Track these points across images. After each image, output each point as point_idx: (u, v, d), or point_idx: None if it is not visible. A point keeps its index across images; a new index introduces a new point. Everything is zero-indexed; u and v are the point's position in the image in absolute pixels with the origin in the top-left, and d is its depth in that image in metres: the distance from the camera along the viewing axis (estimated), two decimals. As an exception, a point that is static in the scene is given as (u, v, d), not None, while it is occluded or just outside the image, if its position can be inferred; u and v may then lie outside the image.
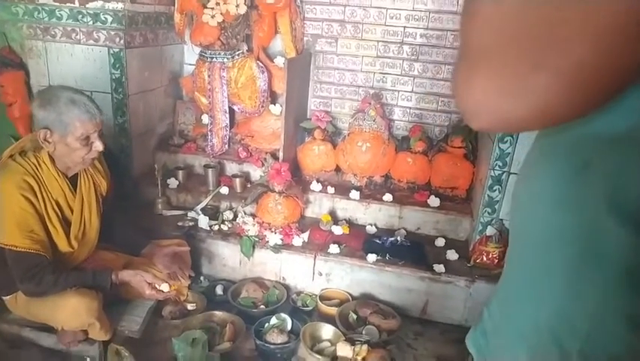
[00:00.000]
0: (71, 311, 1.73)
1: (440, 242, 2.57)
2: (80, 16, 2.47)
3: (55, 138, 1.69)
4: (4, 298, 1.87)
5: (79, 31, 2.52)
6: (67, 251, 1.82)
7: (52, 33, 2.54)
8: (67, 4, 2.45)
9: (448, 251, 2.46)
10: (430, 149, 2.85)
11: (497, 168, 2.32)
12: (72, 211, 1.84)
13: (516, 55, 0.40)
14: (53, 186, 1.75)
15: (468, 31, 0.45)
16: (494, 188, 2.36)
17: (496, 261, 2.36)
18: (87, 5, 2.44)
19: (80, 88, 2.57)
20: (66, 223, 1.81)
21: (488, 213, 2.40)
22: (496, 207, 2.39)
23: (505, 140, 2.27)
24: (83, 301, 1.73)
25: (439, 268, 2.33)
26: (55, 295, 1.73)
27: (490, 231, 2.40)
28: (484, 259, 2.38)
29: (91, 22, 2.48)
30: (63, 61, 2.58)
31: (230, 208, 2.74)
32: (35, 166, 1.72)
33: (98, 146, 1.77)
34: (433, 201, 2.67)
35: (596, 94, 0.40)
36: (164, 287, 1.91)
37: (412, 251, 2.46)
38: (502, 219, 2.41)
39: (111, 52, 2.53)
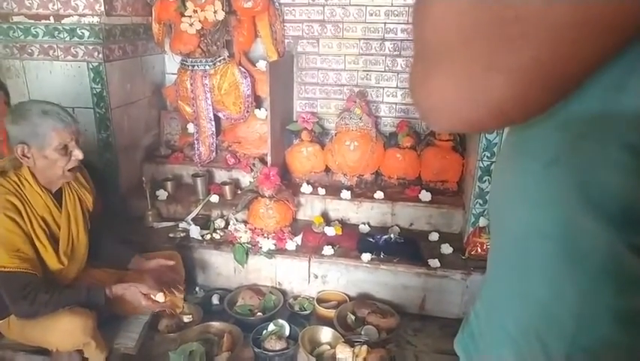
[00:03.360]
0: (65, 331, 1.70)
1: (434, 236, 2.57)
2: (57, 32, 2.44)
3: (33, 152, 1.66)
4: (-4, 322, 1.84)
5: (56, 47, 2.49)
6: (58, 268, 1.79)
7: (29, 51, 2.51)
8: (43, 21, 2.42)
9: (443, 245, 2.45)
10: (418, 144, 2.84)
11: (485, 158, 2.32)
12: (59, 227, 1.82)
13: (469, 55, 0.39)
14: (38, 202, 1.73)
15: (420, 30, 0.44)
16: (484, 179, 2.36)
17: (491, 252, 2.35)
18: (62, 21, 2.41)
19: (61, 104, 2.57)
20: (54, 240, 1.78)
21: (480, 204, 2.40)
22: (487, 197, 2.38)
23: (491, 130, 2.27)
24: (77, 321, 1.71)
25: (434, 262, 2.32)
26: (48, 316, 1.70)
27: (482, 222, 2.40)
28: (479, 250, 2.37)
29: (68, 38, 2.45)
30: (42, 78, 2.55)
31: (222, 216, 2.71)
32: (17, 185, 1.69)
33: (77, 154, 1.74)
34: (425, 195, 2.66)
35: (550, 91, 0.39)
36: (160, 297, 1.88)
37: (406, 248, 2.46)
38: (494, 210, 2.40)
39: (90, 66, 2.50)
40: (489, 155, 2.31)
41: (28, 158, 1.67)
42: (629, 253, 0.41)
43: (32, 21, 2.43)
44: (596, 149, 0.40)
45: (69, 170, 1.77)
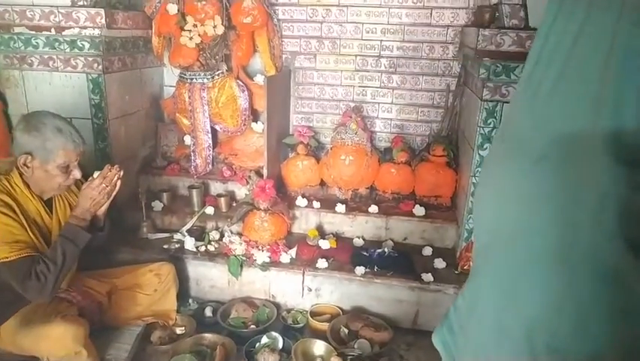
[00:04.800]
0: (57, 339, 1.70)
1: (427, 251, 2.58)
2: (57, 43, 2.47)
3: (35, 164, 1.68)
4: (-13, 332, 1.83)
5: (56, 58, 2.51)
6: None
7: (29, 62, 2.53)
8: (44, 32, 2.45)
9: (436, 260, 2.47)
10: (412, 159, 2.88)
11: (478, 174, 2.35)
12: (50, 233, 1.83)
13: None
14: (29, 206, 1.75)
15: None
16: (477, 195, 2.38)
17: (484, 267, 2.37)
18: (63, 33, 2.44)
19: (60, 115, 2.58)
20: (45, 243, 1.79)
21: (472, 219, 2.42)
22: (472, 200, 2.41)
23: (485, 147, 2.31)
24: (70, 329, 1.71)
25: (427, 277, 2.33)
26: (42, 323, 1.69)
27: (475, 237, 2.41)
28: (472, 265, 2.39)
29: (68, 50, 2.47)
30: (41, 89, 2.57)
31: (217, 228, 2.72)
32: (8, 187, 1.70)
33: (76, 174, 1.78)
34: (419, 210, 2.69)
35: None
36: (95, 174, 1.83)
37: (400, 262, 2.47)
38: (486, 225, 2.42)
39: (90, 78, 2.52)
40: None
41: (28, 168, 1.68)
42: (623, 246, 0.43)
43: (33, 32, 2.46)
44: (580, 150, 0.43)
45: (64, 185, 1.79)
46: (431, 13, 2.84)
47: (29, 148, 1.68)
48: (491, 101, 2.23)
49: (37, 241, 1.74)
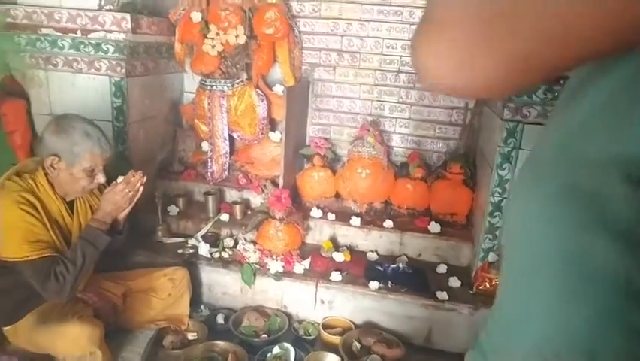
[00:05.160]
0: (73, 339, 1.70)
1: (442, 269, 2.57)
2: (82, 46, 2.50)
3: (61, 166, 1.70)
4: (3, 328, 1.83)
5: (80, 60, 2.54)
6: None
7: (54, 62, 2.56)
8: (70, 35, 2.48)
9: (451, 278, 2.45)
10: (428, 175, 2.88)
11: (497, 194, 2.35)
12: (70, 234, 1.84)
13: (475, 32, 0.44)
14: (52, 206, 1.76)
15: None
16: (494, 214, 2.38)
17: (499, 287, 2.36)
18: (89, 36, 2.47)
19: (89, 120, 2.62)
20: (65, 244, 1.80)
21: (489, 239, 2.41)
22: (497, 233, 2.40)
23: (504, 167, 2.30)
24: (86, 329, 1.71)
25: (442, 295, 2.32)
26: (59, 322, 1.70)
27: (491, 257, 2.41)
28: (487, 285, 2.37)
29: (92, 52, 2.50)
30: (64, 90, 2.60)
31: (231, 235, 2.72)
32: (32, 186, 1.72)
33: (100, 178, 1.79)
34: (434, 227, 2.68)
35: (532, 80, 0.46)
36: (119, 179, 1.85)
37: (414, 278, 2.46)
38: (503, 246, 2.41)
39: (112, 81, 2.55)
40: (500, 191, 2.33)
41: (54, 169, 1.70)
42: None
43: (60, 34, 2.49)
44: (610, 176, 0.44)
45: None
46: (453, 31, 2.86)
47: (57, 150, 1.70)
48: (512, 121, 2.23)
49: (58, 241, 1.75)
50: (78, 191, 1.81)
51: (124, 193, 1.82)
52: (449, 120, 3.01)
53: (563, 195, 0.48)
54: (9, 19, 2.48)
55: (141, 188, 1.89)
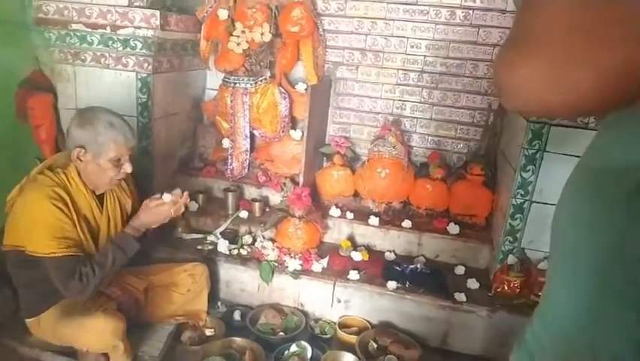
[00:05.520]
0: (97, 332, 1.73)
1: (460, 270, 2.55)
2: (111, 42, 2.54)
3: (87, 157, 1.73)
4: (27, 320, 1.87)
5: (108, 56, 2.59)
6: None
7: (82, 58, 2.61)
8: (99, 30, 2.52)
9: (469, 280, 2.43)
10: (448, 176, 2.85)
11: (519, 196, 2.32)
12: (99, 228, 1.87)
13: (569, 45, 0.44)
14: (82, 201, 1.79)
15: (526, 15, 0.49)
16: (516, 216, 2.35)
17: (518, 290, 2.33)
18: (118, 32, 2.51)
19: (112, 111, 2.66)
20: (92, 240, 1.83)
21: (509, 241, 2.38)
22: (518, 235, 2.37)
23: (528, 168, 2.27)
24: (110, 322, 1.74)
25: (460, 296, 2.30)
26: (83, 315, 1.73)
27: (511, 260, 2.38)
28: (506, 288, 2.35)
29: (121, 48, 2.54)
30: (91, 85, 2.65)
31: (250, 232, 2.74)
32: (64, 181, 1.75)
33: (127, 168, 1.82)
34: (453, 228, 2.66)
35: (625, 95, 0.44)
36: (166, 197, 1.87)
37: (432, 279, 2.44)
38: (523, 248, 2.38)
39: (139, 77, 2.59)
40: (522, 193, 2.30)
41: (81, 161, 1.73)
42: None
43: (89, 30, 2.53)
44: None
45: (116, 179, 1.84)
46: (478, 32, 2.83)
47: (82, 142, 1.74)
48: (538, 122, 2.20)
49: (85, 238, 1.78)
50: (106, 182, 1.84)
51: (167, 212, 1.85)
52: (471, 121, 2.98)
53: (621, 202, 0.48)
54: (40, 15, 2.53)
55: (183, 208, 1.92)
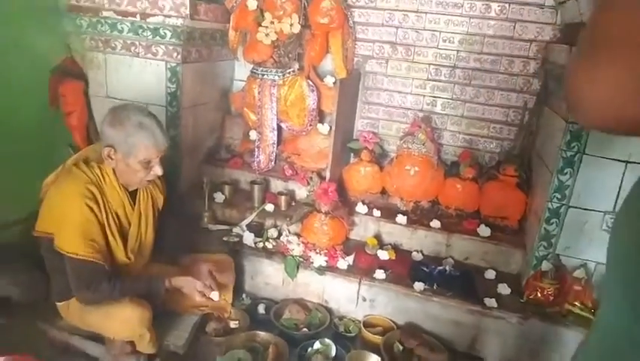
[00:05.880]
0: (124, 321, 1.73)
1: (490, 274, 2.47)
2: (141, 30, 2.53)
3: (117, 157, 1.71)
4: (57, 303, 1.88)
5: (138, 44, 2.58)
6: (124, 262, 1.83)
7: (113, 45, 2.61)
8: (129, 18, 2.51)
9: (500, 285, 2.36)
10: (480, 176, 2.77)
11: (555, 200, 2.23)
12: (130, 224, 1.86)
13: None
14: (114, 197, 1.78)
15: (601, 21, 0.44)
16: (551, 221, 2.26)
17: (552, 298, 2.25)
18: (148, 20, 2.49)
19: (135, 100, 2.64)
20: (123, 236, 1.82)
21: (544, 247, 2.30)
22: (553, 241, 2.29)
23: (565, 171, 2.18)
24: (136, 311, 1.74)
25: (490, 302, 2.23)
26: (110, 304, 1.73)
27: (545, 266, 2.30)
28: (539, 295, 2.27)
29: (150, 37, 2.53)
30: (121, 73, 2.64)
31: (275, 226, 2.71)
32: (99, 177, 1.74)
33: (157, 170, 1.79)
34: (484, 230, 2.58)
35: None
36: (214, 296, 1.90)
37: (461, 282, 2.38)
38: (558, 255, 2.30)
39: (168, 66, 2.57)
40: (559, 197, 2.21)
41: (111, 160, 1.72)
42: None
43: (120, 17, 2.52)
44: None
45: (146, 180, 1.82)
46: (514, 27, 2.73)
47: (113, 141, 1.71)
48: (578, 123, 2.10)
49: (113, 237, 1.78)
50: (136, 182, 1.83)
51: (194, 295, 1.88)
52: (505, 120, 2.89)
53: None
54: (73, 2, 2.53)
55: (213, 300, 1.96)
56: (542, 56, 2.70)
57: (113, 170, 1.77)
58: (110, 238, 1.77)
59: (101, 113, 2.69)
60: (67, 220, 1.66)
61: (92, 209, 1.68)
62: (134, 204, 1.87)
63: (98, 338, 1.90)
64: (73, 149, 2.59)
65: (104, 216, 1.73)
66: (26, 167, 2.30)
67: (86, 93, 2.67)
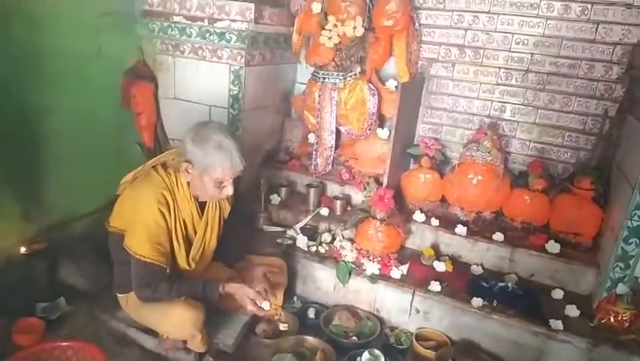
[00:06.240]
0: (178, 321, 1.78)
1: (558, 294, 2.29)
2: (208, 34, 2.61)
3: (194, 172, 1.76)
4: (118, 295, 1.98)
5: (205, 48, 2.66)
6: (184, 268, 1.89)
7: (182, 49, 2.72)
8: (197, 23, 2.60)
9: (568, 306, 2.17)
10: (551, 188, 2.58)
11: (636, 218, 2.02)
12: (195, 232, 1.90)
13: None
14: (184, 206, 1.83)
15: None
16: (630, 241, 2.05)
17: (627, 325, 2.04)
18: (215, 24, 2.57)
19: (199, 102, 2.73)
20: (188, 243, 1.88)
21: (620, 268, 2.09)
22: (631, 262, 2.07)
23: (650, 187, 1.97)
24: (190, 313, 1.78)
25: (556, 324, 2.06)
26: (165, 303, 1.78)
27: (621, 289, 2.09)
28: (612, 320, 2.06)
29: (216, 41, 2.60)
30: (188, 76, 2.75)
31: (329, 230, 2.69)
32: (173, 184, 1.80)
33: (229, 191, 1.81)
34: (553, 246, 2.39)
35: None
36: (265, 305, 1.89)
37: (525, 301, 2.21)
38: (637, 277, 2.08)
39: (232, 69, 2.64)
40: (641, 215, 2.00)
41: (188, 174, 1.77)
42: None
43: (189, 22, 2.62)
44: None
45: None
46: (597, 29, 2.51)
47: (191, 157, 1.74)
48: (666, 135, 1.89)
49: (177, 243, 1.83)
50: (207, 198, 1.87)
51: (250, 309, 1.87)
52: (582, 128, 2.67)
53: None
54: (146, 7, 2.67)
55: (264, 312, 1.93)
56: (628, 60, 2.47)
57: (188, 182, 1.82)
58: (175, 243, 1.82)
59: (168, 115, 2.84)
60: (139, 222, 1.72)
61: (163, 214, 1.74)
62: (202, 213, 1.92)
63: (152, 332, 1.97)
64: (141, 147, 2.74)
65: (173, 222, 1.79)
66: (98, 163, 2.46)
67: (156, 95, 2.80)
